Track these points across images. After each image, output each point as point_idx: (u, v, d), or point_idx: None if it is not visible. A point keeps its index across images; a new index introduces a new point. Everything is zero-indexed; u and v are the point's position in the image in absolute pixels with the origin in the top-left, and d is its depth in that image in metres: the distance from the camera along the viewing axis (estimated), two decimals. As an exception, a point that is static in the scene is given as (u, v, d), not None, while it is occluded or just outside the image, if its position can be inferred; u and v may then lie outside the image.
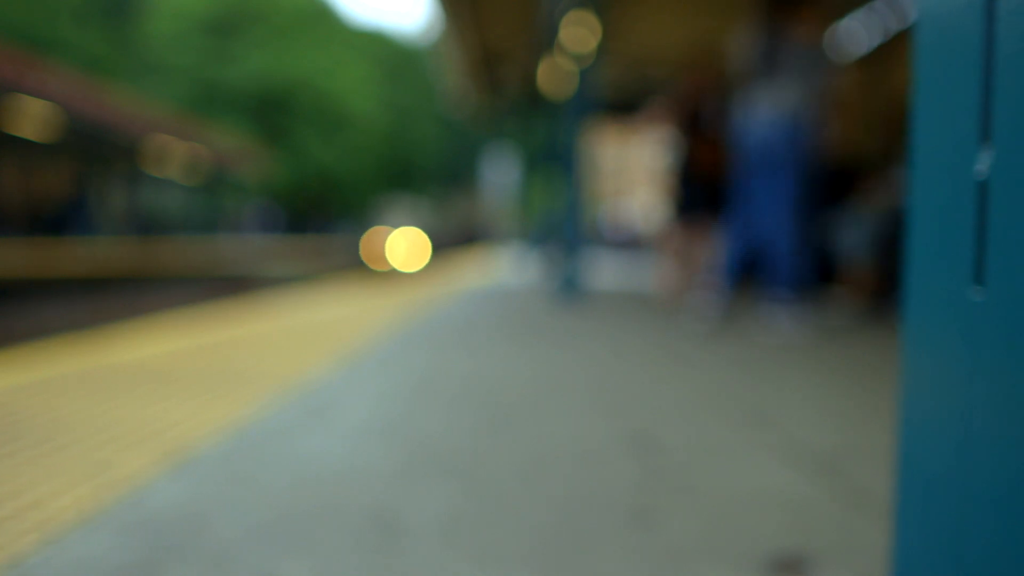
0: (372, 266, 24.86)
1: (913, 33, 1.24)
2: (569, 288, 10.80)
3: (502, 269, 22.51)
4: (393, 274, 23.92)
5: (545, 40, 13.16)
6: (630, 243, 34.09)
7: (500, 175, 39.64)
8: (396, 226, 25.39)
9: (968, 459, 1.08)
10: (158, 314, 11.30)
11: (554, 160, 13.27)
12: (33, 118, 19.28)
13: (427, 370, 4.81)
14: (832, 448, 3.03)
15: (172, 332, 6.82)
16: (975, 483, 1.07)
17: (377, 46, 54.43)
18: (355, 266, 26.51)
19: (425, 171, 55.99)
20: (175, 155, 26.49)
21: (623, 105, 19.47)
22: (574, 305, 10.07)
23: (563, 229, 11.41)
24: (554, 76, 12.37)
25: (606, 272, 19.80)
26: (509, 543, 2.01)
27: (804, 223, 7.43)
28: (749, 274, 9.74)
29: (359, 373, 4.65)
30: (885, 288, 9.72)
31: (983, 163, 1.07)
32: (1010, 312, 1.01)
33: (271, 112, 45.40)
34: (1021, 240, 0.87)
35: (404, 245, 25.58)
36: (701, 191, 9.74)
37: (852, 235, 10.24)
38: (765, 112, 7.01)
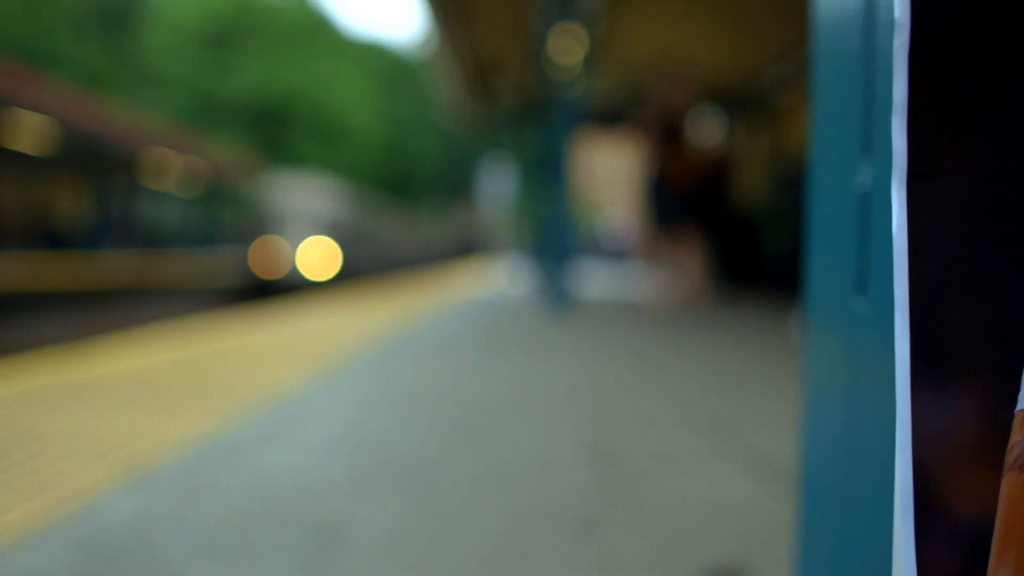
0: (262, 275, 25.13)
1: (811, 55, 1.25)
2: (558, 299, 10.80)
3: (497, 280, 22.51)
4: (293, 281, 25.16)
5: (536, 51, 13.19)
6: (626, 253, 34.11)
7: (497, 186, 39.65)
8: (298, 236, 26.49)
9: (853, 468, 1.09)
10: (150, 326, 11.27)
11: (545, 170, 13.32)
12: (30, 132, 19.31)
13: (405, 382, 4.81)
14: (793, 458, 3.04)
15: (158, 344, 6.82)
16: (858, 492, 1.07)
17: (375, 58, 54.53)
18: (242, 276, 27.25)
19: (423, 182, 56.05)
20: (173, 167, 26.52)
21: (617, 115, 19.50)
22: (563, 316, 10.06)
23: (552, 239, 11.42)
24: (546, 86, 12.41)
25: (601, 282, 19.79)
26: (449, 556, 2.01)
27: None
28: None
29: (336, 385, 4.65)
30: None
31: (864, 175, 1.08)
32: (887, 323, 1.02)
33: (269, 124, 45.48)
34: (897, 251, 0.87)
35: (314, 254, 26.18)
36: (677, 201, 9.76)
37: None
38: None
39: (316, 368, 5.26)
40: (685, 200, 9.73)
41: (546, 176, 12.20)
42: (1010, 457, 0.70)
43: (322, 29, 52.15)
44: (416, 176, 55.31)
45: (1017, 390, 0.69)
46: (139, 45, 45.57)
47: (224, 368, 5.29)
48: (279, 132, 46.06)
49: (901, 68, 0.69)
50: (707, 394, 4.48)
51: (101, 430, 3.37)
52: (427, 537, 2.14)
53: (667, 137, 9.89)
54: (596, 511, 2.38)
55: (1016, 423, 0.70)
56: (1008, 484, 0.70)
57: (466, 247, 51.57)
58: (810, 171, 1.23)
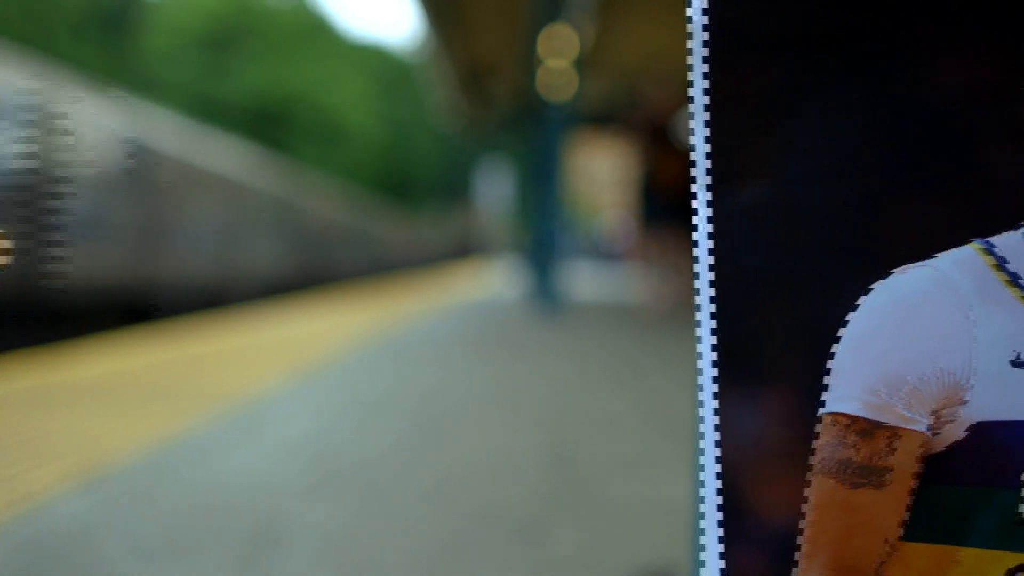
0: None
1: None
2: (548, 300, 10.80)
3: (492, 281, 22.51)
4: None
5: (529, 54, 13.20)
6: (620, 254, 34.07)
7: (493, 188, 39.73)
8: None
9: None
10: (130, 329, 11.11)
11: (538, 172, 13.33)
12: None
13: (383, 386, 4.81)
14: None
15: (135, 348, 6.82)
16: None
17: (374, 60, 54.58)
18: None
19: (422, 184, 56.10)
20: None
21: (612, 117, 19.50)
22: (552, 318, 10.06)
23: (543, 241, 11.42)
24: (540, 88, 12.41)
25: (594, 283, 19.79)
26: (385, 559, 2.01)
27: None
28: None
29: (311, 389, 4.65)
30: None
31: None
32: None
33: (268, 127, 45.51)
34: (701, 255, 0.87)
35: None
36: (666, 203, 9.76)
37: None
38: None
39: (294, 371, 5.26)
40: (674, 202, 9.74)
41: (538, 178, 12.21)
42: (816, 460, 0.70)
43: (321, 31, 52.20)
44: (415, 178, 55.34)
45: (822, 393, 0.70)
46: (138, 47, 45.62)
47: (200, 372, 5.29)
48: (278, 134, 46.13)
49: (699, 70, 0.69)
50: (685, 397, 4.48)
51: (61, 433, 3.37)
52: (367, 541, 2.14)
53: (655, 140, 9.90)
54: (545, 514, 2.38)
55: (822, 426, 0.70)
56: (815, 487, 0.70)
57: (463, 249, 51.60)
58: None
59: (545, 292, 10.93)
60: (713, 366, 0.70)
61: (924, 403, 0.69)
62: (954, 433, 0.69)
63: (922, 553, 0.70)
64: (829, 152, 0.69)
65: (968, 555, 0.69)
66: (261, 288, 20.53)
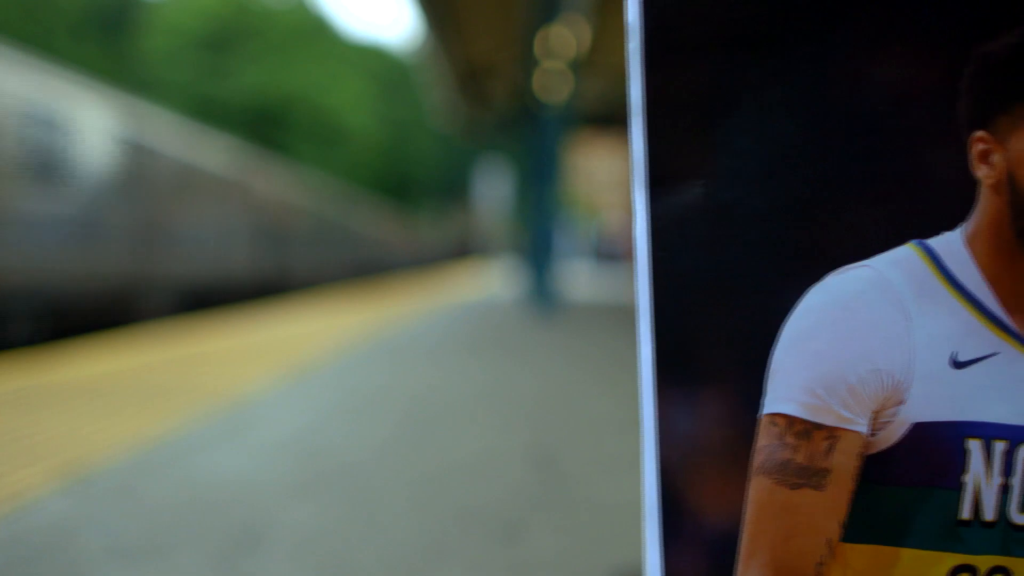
0: None
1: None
2: (545, 301, 10.80)
3: (490, 282, 22.50)
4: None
5: (526, 55, 13.19)
6: (620, 255, 34.05)
7: (492, 189, 39.72)
8: None
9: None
10: (125, 329, 10.99)
11: (535, 173, 13.32)
12: None
13: (376, 386, 4.81)
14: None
15: (131, 348, 6.82)
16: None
17: (373, 61, 54.54)
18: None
19: (421, 185, 56.07)
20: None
21: (611, 118, 19.49)
22: (549, 318, 10.06)
23: (540, 242, 11.42)
24: (537, 89, 12.41)
25: (594, 284, 19.78)
26: (362, 559, 2.01)
27: None
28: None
29: (304, 389, 4.65)
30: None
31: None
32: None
33: (267, 127, 45.48)
34: (639, 256, 0.87)
35: None
36: None
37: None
38: None
39: (288, 371, 5.26)
40: None
41: (536, 179, 12.20)
42: (756, 461, 0.70)
43: (320, 32, 52.16)
44: (414, 179, 55.30)
45: (761, 394, 0.69)
46: (137, 48, 45.60)
47: (191, 372, 5.29)
48: (277, 135, 46.11)
49: (636, 71, 0.69)
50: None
51: (49, 433, 3.37)
52: (346, 541, 2.14)
53: None
54: (527, 516, 2.38)
55: (761, 427, 0.70)
56: (754, 488, 0.70)
57: (463, 250, 51.58)
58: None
59: (542, 293, 10.93)
60: (652, 367, 0.70)
61: (863, 404, 0.69)
62: (893, 434, 0.69)
63: (862, 554, 0.70)
64: (766, 153, 0.69)
65: (908, 556, 0.69)
66: (253, 289, 19.34)
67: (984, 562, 0.69)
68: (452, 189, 56.46)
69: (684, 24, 0.69)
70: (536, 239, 11.82)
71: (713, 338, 0.70)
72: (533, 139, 13.10)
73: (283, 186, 22.91)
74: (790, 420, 0.69)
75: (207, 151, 20.66)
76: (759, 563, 0.69)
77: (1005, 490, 0.69)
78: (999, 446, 0.69)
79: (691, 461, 0.70)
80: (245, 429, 3.52)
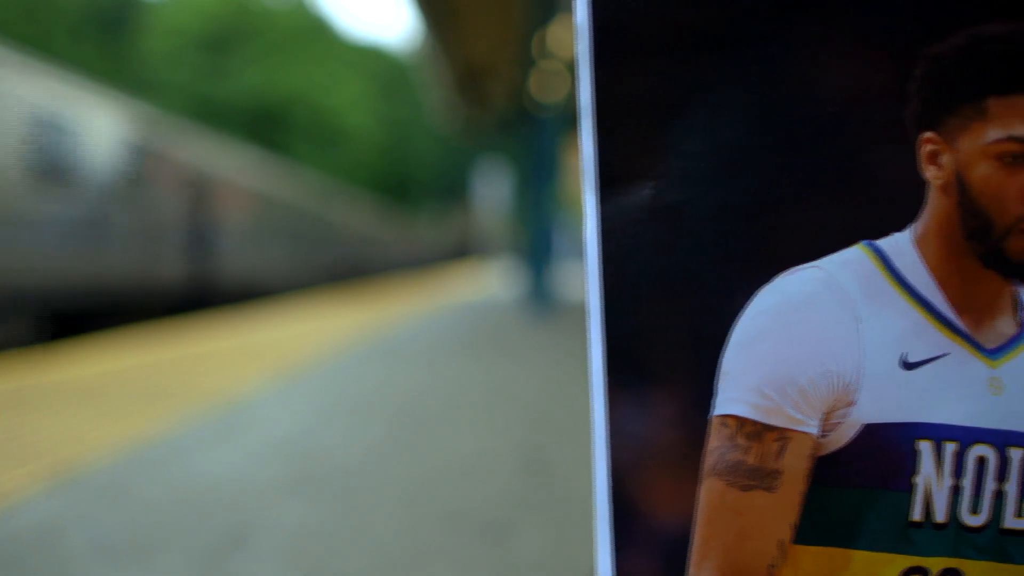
0: None
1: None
2: (544, 301, 10.80)
3: (489, 282, 22.51)
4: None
5: (524, 55, 13.19)
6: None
7: (492, 189, 39.75)
8: None
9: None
10: (122, 329, 10.89)
11: (533, 173, 13.33)
12: None
13: (370, 386, 4.81)
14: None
15: (127, 348, 6.82)
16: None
17: (373, 61, 54.59)
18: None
19: (421, 186, 56.12)
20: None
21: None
22: (547, 319, 10.06)
23: (540, 242, 11.42)
24: (535, 90, 12.41)
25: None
26: (348, 559, 2.01)
27: None
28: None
29: (297, 390, 4.65)
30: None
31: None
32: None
33: (267, 128, 45.51)
34: (589, 257, 0.87)
35: None
36: None
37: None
38: None
39: (282, 372, 5.26)
40: None
41: (535, 180, 12.20)
42: (707, 463, 0.70)
43: (320, 32, 52.18)
44: (414, 179, 55.34)
45: (712, 395, 0.69)
46: (136, 49, 45.62)
47: (187, 373, 5.29)
48: (277, 135, 46.14)
49: (586, 73, 0.69)
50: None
51: (42, 433, 3.37)
52: (332, 541, 2.14)
53: None
54: (515, 517, 2.38)
55: (712, 428, 0.70)
56: (705, 490, 0.70)
57: (462, 250, 51.60)
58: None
59: (540, 293, 10.93)
60: (603, 368, 0.70)
61: (813, 405, 0.69)
62: (844, 435, 0.69)
63: (814, 555, 0.70)
64: (715, 154, 0.69)
65: (860, 558, 0.69)
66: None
67: (936, 564, 0.69)
68: (451, 190, 56.48)
69: (633, 25, 0.69)
70: (534, 239, 11.82)
71: (664, 339, 0.70)
72: (531, 140, 13.11)
73: (229, 165, 17.90)
74: (741, 421, 0.69)
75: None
76: (711, 565, 0.69)
77: (956, 492, 0.69)
78: (949, 447, 0.69)
79: (642, 463, 0.70)
80: (237, 430, 3.52)
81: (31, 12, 40.86)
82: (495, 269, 33.35)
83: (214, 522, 2.28)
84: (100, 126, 11.92)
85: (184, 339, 7.72)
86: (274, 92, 47.86)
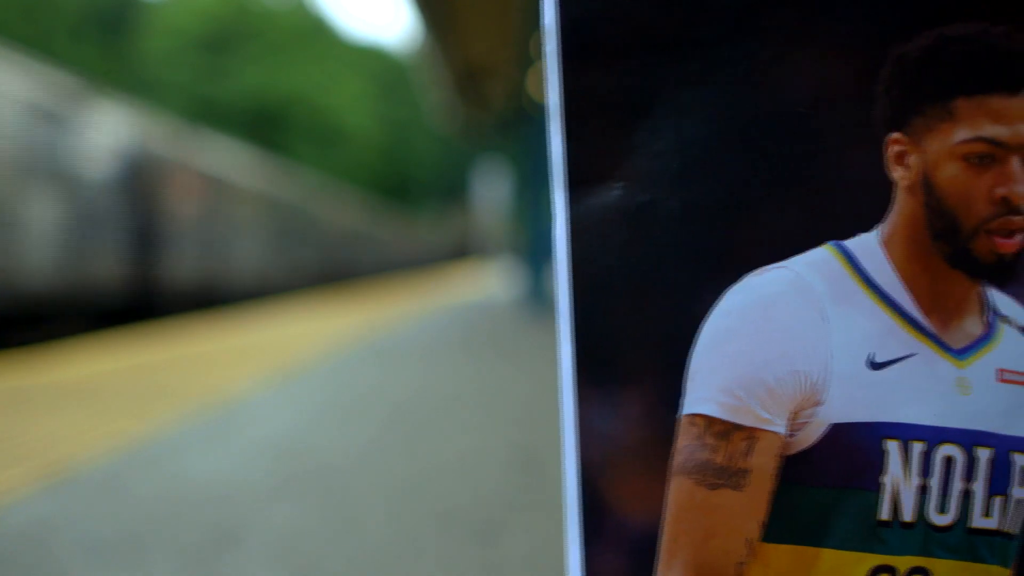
0: None
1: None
2: (542, 302, 10.80)
3: (488, 283, 22.52)
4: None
5: (523, 56, 13.19)
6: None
7: (491, 190, 39.79)
8: None
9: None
10: (118, 330, 10.81)
11: (533, 174, 13.32)
12: None
13: (365, 386, 4.81)
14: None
15: (122, 349, 6.82)
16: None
17: (372, 61, 54.63)
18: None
19: (421, 186, 56.16)
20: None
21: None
22: (545, 319, 10.06)
23: (538, 243, 11.42)
24: (534, 91, 12.39)
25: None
26: (338, 560, 2.01)
27: None
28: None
29: (291, 390, 4.65)
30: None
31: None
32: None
33: (266, 128, 45.53)
34: (559, 257, 0.87)
35: None
36: None
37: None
38: None
39: (278, 372, 5.27)
40: None
41: (533, 180, 12.20)
42: (676, 461, 0.70)
43: (319, 32, 52.22)
44: (413, 180, 55.37)
45: (680, 394, 0.70)
46: (136, 49, 45.64)
47: (184, 373, 5.30)
48: (277, 135, 46.17)
49: (554, 74, 0.69)
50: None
51: (35, 434, 3.37)
52: (323, 542, 2.14)
53: None
54: (506, 517, 2.38)
55: (681, 427, 0.70)
56: (674, 488, 0.70)
57: (461, 250, 51.62)
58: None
59: (538, 294, 10.93)
60: (572, 367, 0.70)
61: (781, 404, 0.69)
62: (811, 435, 0.69)
63: (782, 554, 0.70)
64: (683, 154, 0.69)
65: (828, 556, 0.70)
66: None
67: (904, 563, 0.70)
68: (451, 190, 56.49)
69: (601, 26, 0.69)
70: (533, 240, 11.82)
71: (633, 338, 0.70)
72: (530, 140, 13.09)
73: (185, 146, 15.25)
74: (709, 420, 0.69)
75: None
76: (679, 562, 0.70)
77: (923, 491, 0.69)
78: (917, 447, 0.69)
79: (612, 461, 0.70)
80: (231, 430, 3.52)
81: (31, 12, 40.86)
82: (494, 269, 33.35)
83: (205, 522, 2.28)
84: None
85: (179, 340, 7.73)
86: (274, 92, 47.88)
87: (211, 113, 43.94)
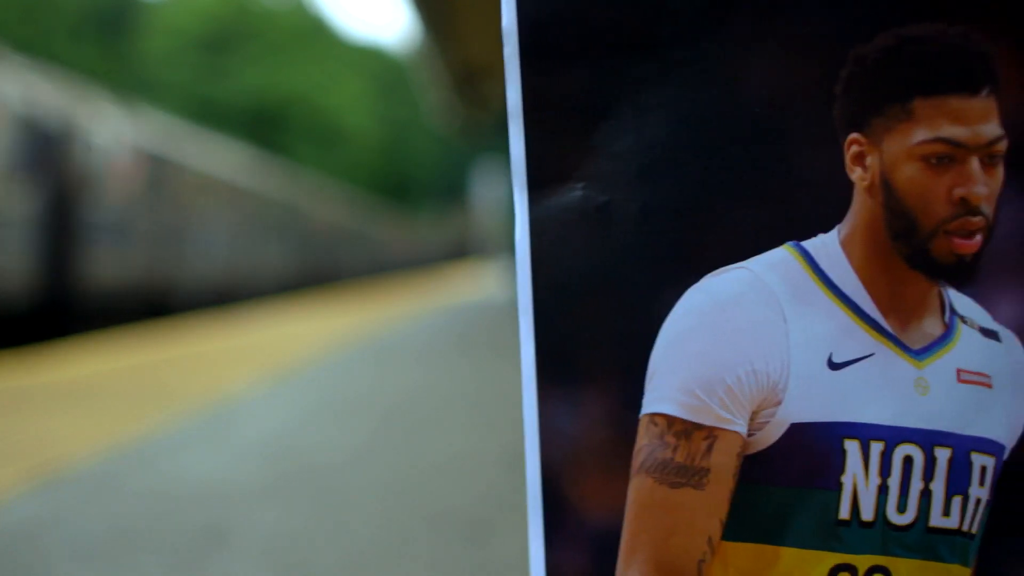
0: None
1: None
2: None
3: (486, 283, 22.52)
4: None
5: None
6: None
7: (491, 190, 39.81)
8: None
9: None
10: (116, 330, 10.67)
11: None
12: None
13: (360, 387, 4.82)
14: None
15: (116, 349, 6.83)
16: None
17: (372, 61, 54.63)
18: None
19: (420, 186, 56.17)
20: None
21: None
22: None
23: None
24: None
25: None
26: (325, 560, 2.02)
27: None
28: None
29: (285, 391, 4.66)
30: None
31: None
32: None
33: (266, 128, 45.54)
34: (520, 257, 0.86)
35: None
36: None
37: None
38: None
39: (275, 372, 5.27)
40: None
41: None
42: (636, 461, 0.70)
43: (319, 33, 52.21)
44: (413, 180, 55.38)
45: (641, 394, 0.70)
46: (136, 49, 45.64)
47: (181, 373, 5.30)
48: (276, 136, 46.17)
49: (513, 75, 0.69)
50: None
51: (28, 434, 3.37)
52: (311, 542, 2.15)
53: None
54: (495, 515, 2.39)
55: (641, 427, 0.70)
56: (635, 487, 0.70)
57: (461, 250, 51.62)
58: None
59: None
60: (533, 366, 0.71)
61: (740, 404, 0.69)
62: (771, 434, 0.70)
63: (743, 553, 0.70)
64: (643, 155, 0.69)
65: (789, 555, 0.70)
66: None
67: (863, 562, 0.70)
68: (450, 190, 56.48)
69: (560, 27, 0.69)
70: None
71: (594, 338, 0.70)
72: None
73: (121, 124, 12.40)
74: (670, 420, 0.70)
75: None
76: (640, 561, 0.70)
77: (883, 490, 0.70)
78: (876, 447, 0.69)
79: (573, 460, 0.71)
80: (225, 430, 3.52)
81: (31, 12, 40.86)
82: (493, 269, 33.36)
83: (194, 522, 2.28)
84: None
85: (174, 340, 7.73)
86: (273, 92, 47.87)
87: (210, 113, 43.94)
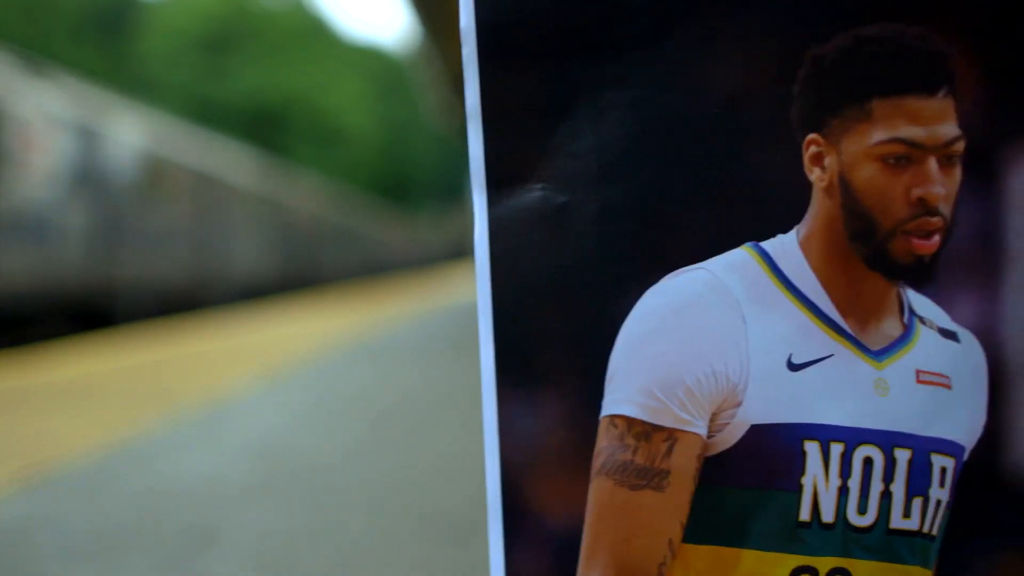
0: None
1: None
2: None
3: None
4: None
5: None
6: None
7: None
8: None
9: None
10: (112, 330, 10.60)
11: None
12: None
13: (355, 387, 4.81)
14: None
15: (111, 350, 6.82)
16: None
17: (371, 61, 54.63)
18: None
19: (420, 186, 56.18)
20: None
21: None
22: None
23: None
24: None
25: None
26: (310, 559, 2.02)
27: None
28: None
29: (280, 392, 4.66)
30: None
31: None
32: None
33: (266, 128, 45.53)
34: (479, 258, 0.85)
35: None
36: None
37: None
38: None
39: (267, 374, 5.27)
40: None
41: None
42: (596, 463, 0.70)
43: (318, 33, 52.20)
44: (413, 179, 55.39)
45: (601, 396, 0.70)
46: (136, 49, 45.64)
47: (173, 375, 5.30)
48: (276, 136, 46.16)
49: (472, 75, 0.69)
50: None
51: (18, 434, 3.37)
52: (297, 541, 2.15)
53: None
54: (485, 517, 2.38)
55: (601, 429, 0.70)
56: (595, 489, 0.70)
57: (460, 250, 51.67)
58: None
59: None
60: (492, 368, 0.71)
61: (700, 405, 0.69)
62: (731, 436, 0.69)
63: (704, 555, 0.70)
64: (602, 156, 0.69)
65: (749, 557, 0.70)
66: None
67: (824, 563, 0.70)
68: (450, 190, 56.45)
69: (518, 28, 0.69)
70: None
71: (553, 340, 0.70)
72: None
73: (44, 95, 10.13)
74: (629, 422, 0.69)
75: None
76: (600, 563, 0.70)
77: (843, 492, 0.69)
78: (836, 448, 0.69)
79: (533, 462, 0.70)
80: (213, 431, 3.52)
81: (31, 12, 40.86)
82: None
83: (183, 522, 2.28)
84: None
85: (171, 341, 7.73)
86: (273, 92, 47.85)
87: (210, 113, 43.94)
